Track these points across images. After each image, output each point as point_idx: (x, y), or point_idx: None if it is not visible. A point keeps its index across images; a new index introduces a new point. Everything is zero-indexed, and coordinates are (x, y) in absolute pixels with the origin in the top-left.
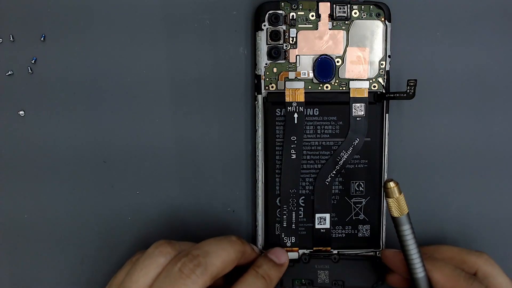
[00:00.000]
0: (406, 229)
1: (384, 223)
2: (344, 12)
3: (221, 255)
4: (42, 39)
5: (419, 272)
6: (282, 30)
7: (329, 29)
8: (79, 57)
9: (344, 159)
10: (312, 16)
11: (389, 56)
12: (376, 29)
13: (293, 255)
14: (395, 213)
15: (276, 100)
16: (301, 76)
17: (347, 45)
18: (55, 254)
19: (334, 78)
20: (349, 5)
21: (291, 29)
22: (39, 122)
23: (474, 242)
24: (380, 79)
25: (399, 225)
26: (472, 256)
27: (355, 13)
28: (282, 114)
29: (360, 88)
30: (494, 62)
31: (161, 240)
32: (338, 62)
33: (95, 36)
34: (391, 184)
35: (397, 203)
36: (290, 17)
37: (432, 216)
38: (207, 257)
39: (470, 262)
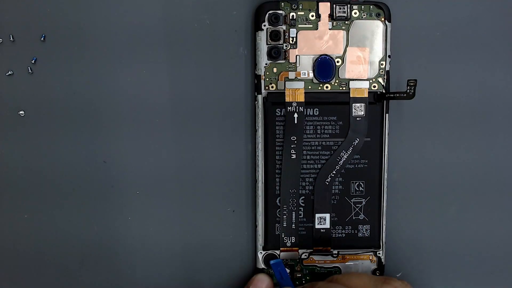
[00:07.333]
0: None
1: (384, 223)
2: (344, 12)
3: None
4: (42, 39)
5: None
6: (282, 30)
7: (329, 29)
8: (79, 57)
9: (344, 159)
10: (312, 16)
11: (389, 56)
12: (376, 29)
13: (293, 255)
14: None
15: (276, 100)
16: (301, 76)
17: (347, 45)
18: (54, 255)
19: (334, 78)
20: (349, 5)
21: (291, 29)
22: (39, 122)
23: (472, 243)
24: (380, 79)
25: None
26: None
27: (355, 13)
28: (282, 114)
29: (360, 88)
30: (494, 62)
31: None
32: (338, 62)
33: (95, 36)
34: None
35: None
36: (290, 17)
37: (432, 216)
38: None
39: None
